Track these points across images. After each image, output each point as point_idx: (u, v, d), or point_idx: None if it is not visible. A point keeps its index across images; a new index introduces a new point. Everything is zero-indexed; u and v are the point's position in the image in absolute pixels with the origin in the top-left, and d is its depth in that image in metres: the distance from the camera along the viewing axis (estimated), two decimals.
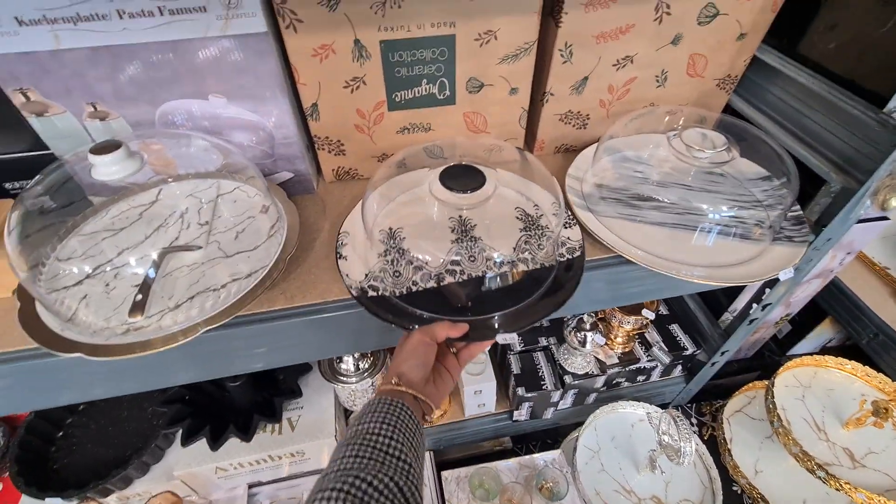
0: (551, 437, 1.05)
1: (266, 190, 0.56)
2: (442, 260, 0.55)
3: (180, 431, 0.70)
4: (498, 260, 0.55)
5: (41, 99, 0.51)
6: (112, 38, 0.48)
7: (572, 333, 0.80)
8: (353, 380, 0.78)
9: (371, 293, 0.53)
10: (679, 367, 0.96)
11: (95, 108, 0.53)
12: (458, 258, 0.56)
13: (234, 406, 0.75)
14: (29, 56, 0.47)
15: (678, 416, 0.73)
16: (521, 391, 0.83)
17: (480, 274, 0.55)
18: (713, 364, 0.92)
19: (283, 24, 0.51)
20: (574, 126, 0.71)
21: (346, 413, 0.90)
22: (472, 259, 0.56)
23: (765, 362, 1.11)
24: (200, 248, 0.51)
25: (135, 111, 0.54)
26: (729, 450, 0.90)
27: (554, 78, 0.64)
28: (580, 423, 0.93)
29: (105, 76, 0.50)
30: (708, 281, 0.55)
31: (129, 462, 0.70)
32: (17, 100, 0.51)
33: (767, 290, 0.76)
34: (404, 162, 0.62)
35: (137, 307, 0.43)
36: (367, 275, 0.55)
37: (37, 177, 0.50)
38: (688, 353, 0.90)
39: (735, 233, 0.60)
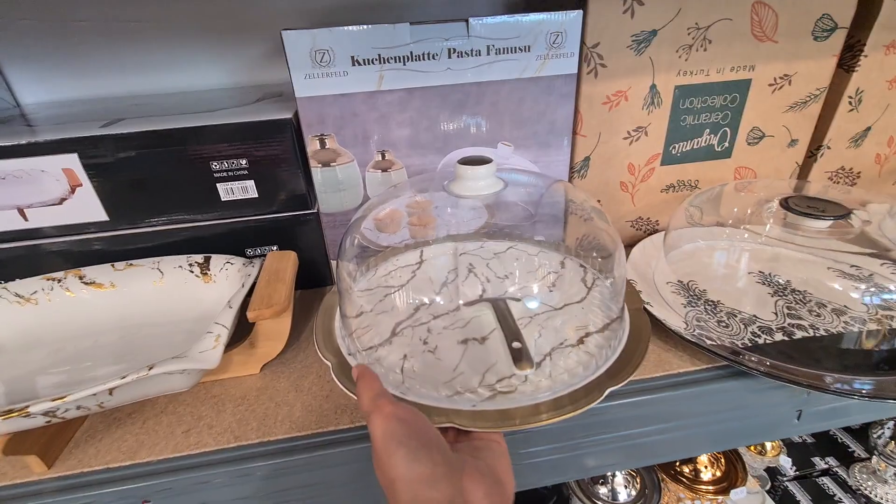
0: None
1: (556, 247, 0.48)
2: (774, 313, 0.44)
3: None
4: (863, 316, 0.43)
5: (336, 146, 0.47)
6: (433, 78, 0.45)
7: (888, 446, 0.60)
8: None
9: (709, 342, 0.41)
10: None
11: (383, 157, 0.49)
12: (793, 311, 0.44)
13: None
14: (346, 98, 0.45)
15: None
16: None
17: (837, 331, 0.43)
18: None
19: (585, 69, 0.49)
20: (842, 184, 0.63)
21: None
22: (815, 314, 0.44)
23: None
24: (520, 299, 0.40)
25: (420, 161, 0.50)
26: None
27: (835, 129, 0.58)
28: None
29: (407, 121, 0.47)
30: None
31: None
32: (312, 147, 0.47)
33: None
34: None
35: (523, 356, 0.32)
36: (686, 323, 0.43)
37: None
38: None
39: None
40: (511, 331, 0.34)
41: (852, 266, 0.51)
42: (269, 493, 0.37)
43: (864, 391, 0.38)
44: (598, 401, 0.32)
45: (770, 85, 0.53)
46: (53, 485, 0.34)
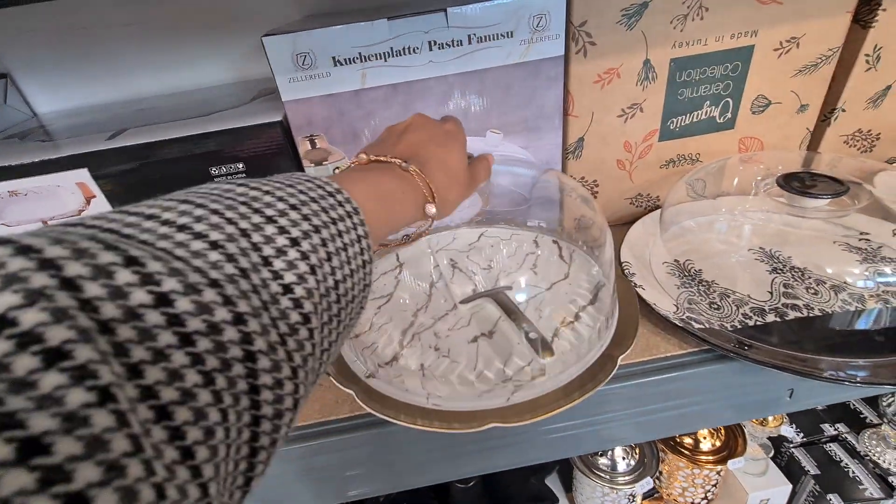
0: None
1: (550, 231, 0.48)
2: (769, 292, 0.44)
3: None
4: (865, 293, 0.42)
5: (326, 146, 0.49)
6: (415, 72, 0.45)
7: None
8: (620, 479, 0.61)
9: (696, 325, 0.41)
10: None
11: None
12: (790, 290, 0.44)
13: None
14: (331, 98, 0.46)
15: None
16: (833, 500, 0.61)
17: (833, 310, 0.42)
18: None
19: (574, 49, 0.47)
20: (858, 149, 0.60)
21: None
22: (812, 291, 0.44)
23: None
24: (511, 287, 0.42)
25: None
26: None
27: (851, 90, 0.54)
28: None
29: (393, 117, 0.48)
30: None
31: None
32: (303, 147, 0.48)
33: None
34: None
35: (543, 345, 0.34)
36: (676, 306, 0.44)
37: None
38: None
39: None
40: (522, 321, 0.36)
41: (861, 238, 0.49)
42: (302, 471, 0.41)
43: (858, 378, 0.38)
44: (615, 370, 0.35)
45: (776, 49, 0.50)
46: None
